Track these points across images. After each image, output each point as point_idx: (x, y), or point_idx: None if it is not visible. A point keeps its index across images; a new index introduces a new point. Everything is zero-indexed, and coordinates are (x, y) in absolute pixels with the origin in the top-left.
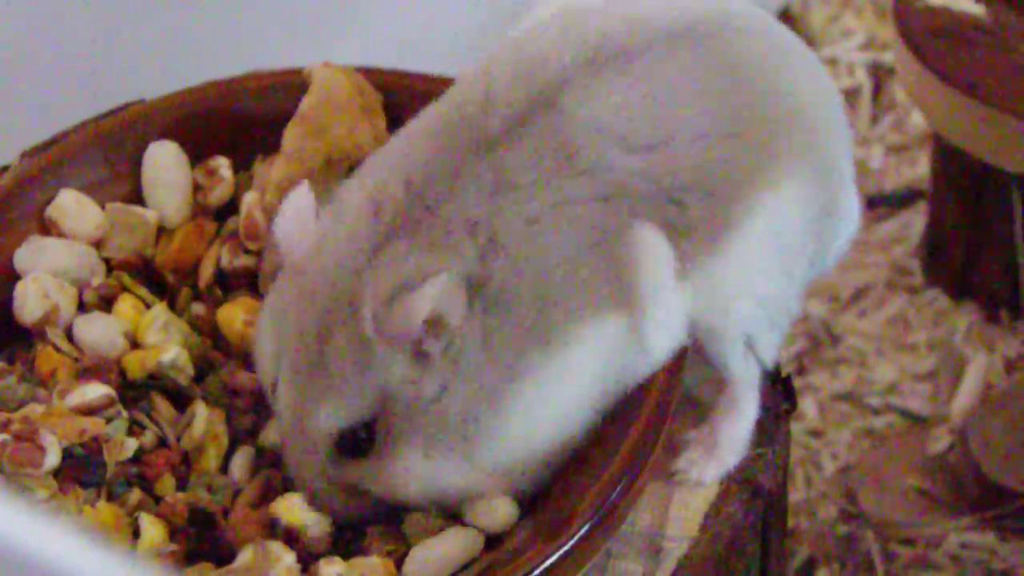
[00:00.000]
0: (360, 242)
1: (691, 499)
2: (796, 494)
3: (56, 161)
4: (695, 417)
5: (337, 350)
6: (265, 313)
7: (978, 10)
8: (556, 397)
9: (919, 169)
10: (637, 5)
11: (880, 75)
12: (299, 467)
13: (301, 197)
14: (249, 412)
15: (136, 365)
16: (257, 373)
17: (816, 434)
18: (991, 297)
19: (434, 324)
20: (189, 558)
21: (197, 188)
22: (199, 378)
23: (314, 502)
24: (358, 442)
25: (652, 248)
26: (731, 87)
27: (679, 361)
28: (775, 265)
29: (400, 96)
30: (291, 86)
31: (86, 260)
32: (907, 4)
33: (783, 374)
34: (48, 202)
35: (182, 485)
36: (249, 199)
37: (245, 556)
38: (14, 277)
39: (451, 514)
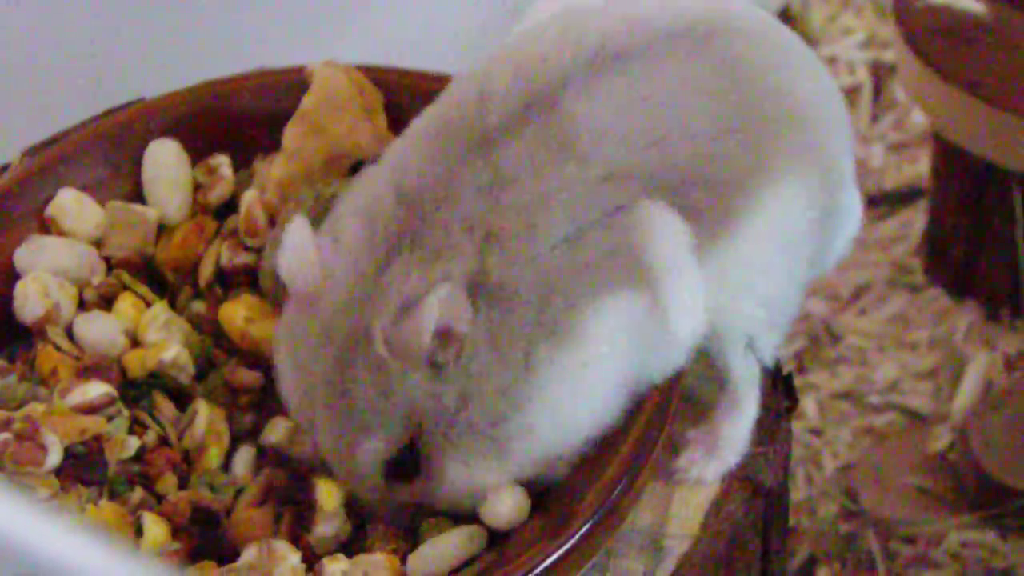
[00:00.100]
0: (363, 267)
1: (692, 497)
2: (797, 493)
3: (57, 160)
4: (696, 416)
5: (359, 381)
6: (281, 347)
7: (979, 8)
8: (578, 385)
9: (920, 167)
10: (637, 5)
11: (880, 74)
12: (360, 495)
13: (298, 231)
14: (251, 410)
15: (137, 364)
16: (285, 404)
17: (817, 433)
18: (992, 295)
19: (443, 335)
20: (192, 557)
21: (197, 186)
22: (200, 376)
23: (374, 518)
24: (405, 466)
25: (664, 222)
26: (730, 86)
27: None
28: (776, 264)
29: (401, 95)
30: (292, 85)
31: (86, 259)
32: (908, 3)
33: (784, 372)
34: (49, 201)
35: (183, 484)
36: (249, 197)
37: (250, 554)
38: (14, 276)
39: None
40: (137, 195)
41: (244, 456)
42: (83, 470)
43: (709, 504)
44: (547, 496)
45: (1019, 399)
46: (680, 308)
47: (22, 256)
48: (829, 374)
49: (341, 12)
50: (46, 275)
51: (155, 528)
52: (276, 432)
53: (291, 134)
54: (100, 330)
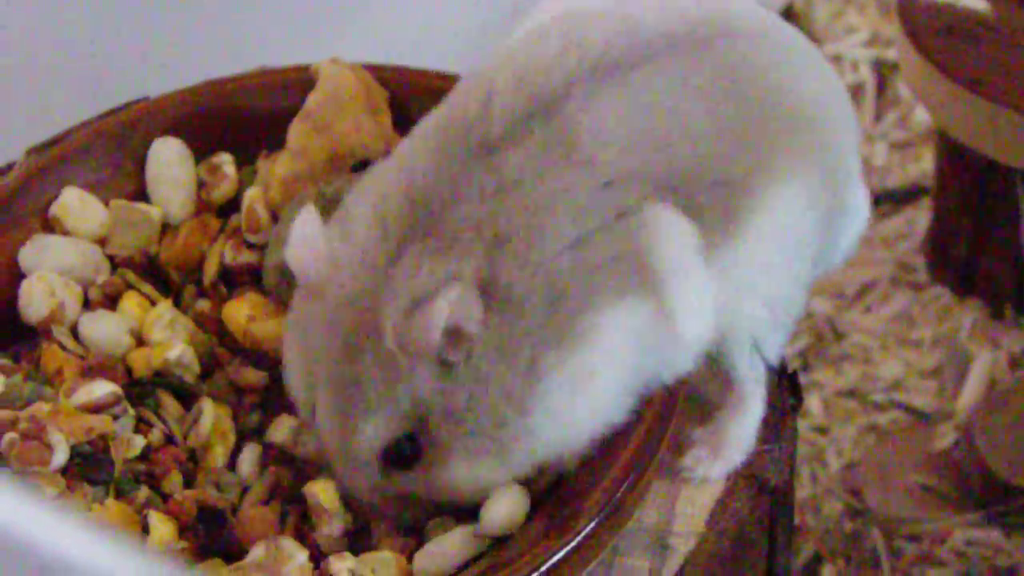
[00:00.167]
0: (372, 259)
1: (698, 495)
2: (802, 491)
3: (61, 159)
4: (702, 415)
5: (367, 369)
6: (289, 337)
7: (982, 6)
8: (583, 391)
9: (923, 165)
10: (638, 10)
11: (884, 72)
12: (352, 483)
13: (307, 221)
14: (256, 409)
15: (142, 363)
16: (291, 395)
17: (821, 431)
18: (996, 293)
19: (453, 334)
20: (198, 555)
21: (201, 185)
22: (205, 375)
23: (370, 514)
24: (404, 455)
25: (670, 224)
26: (731, 88)
27: None
28: (780, 264)
29: (405, 93)
30: (296, 83)
31: (91, 258)
32: (911, 0)
33: (789, 370)
34: (53, 200)
35: (189, 483)
36: (251, 194)
37: (257, 552)
38: (19, 275)
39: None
40: (141, 194)
41: (249, 455)
42: (89, 469)
43: (715, 502)
44: (552, 494)
45: (1023, 397)
46: (687, 310)
47: (27, 255)
48: (834, 372)
49: (343, 11)
50: (51, 274)
51: (162, 527)
52: (281, 431)
53: (296, 132)
54: (105, 329)
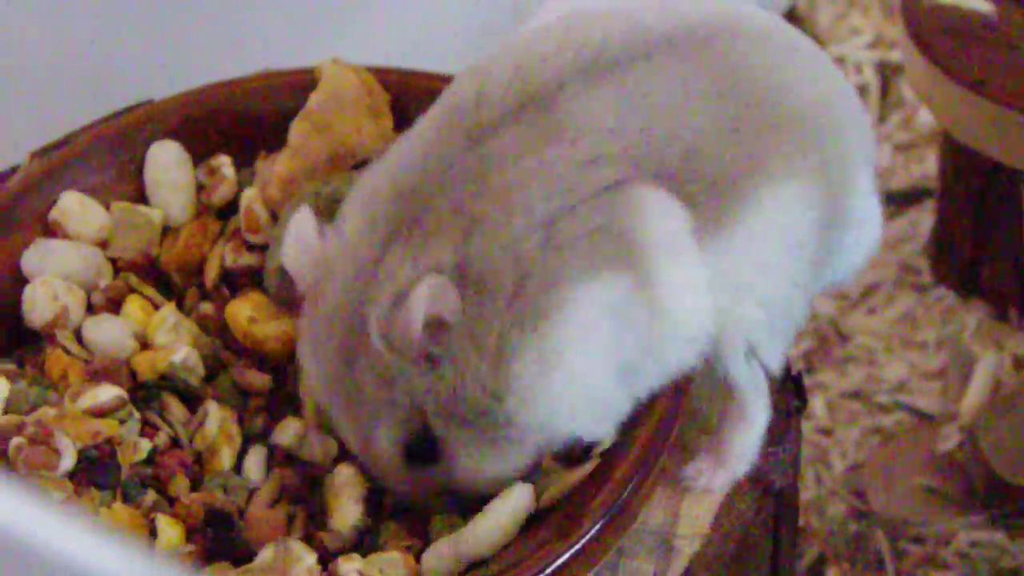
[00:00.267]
0: (361, 260)
1: (702, 498)
2: (806, 493)
3: (64, 162)
4: (708, 425)
5: (363, 372)
6: (302, 341)
7: (986, 8)
8: (555, 372)
9: (927, 167)
10: (641, 10)
11: (888, 73)
12: (386, 481)
13: (302, 222)
14: (261, 411)
15: (146, 366)
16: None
17: (825, 432)
18: (1000, 295)
19: (434, 326)
20: (206, 558)
21: (200, 187)
22: (209, 378)
23: (411, 505)
24: (423, 452)
25: (658, 202)
26: (729, 88)
27: None
28: (775, 265)
29: (406, 95)
30: (299, 86)
31: (93, 262)
32: (915, 2)
33: (793, 372)
34: (55, 204)
35: (195, 486)
36: (248, 194)
37: (266, 555)
38: (22, 280)
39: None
40: (143, 196)
41: (255, 457)
42: (96, 473)
43: (719, 504)
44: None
45: None
46: (676, 285)
47: (29, 260)
48: (838, 374)
49: (344, 12)
50: (54, 279)
51: (169, 530)
52: (287, 433)
53: (296, 131)
54: (109, 333)
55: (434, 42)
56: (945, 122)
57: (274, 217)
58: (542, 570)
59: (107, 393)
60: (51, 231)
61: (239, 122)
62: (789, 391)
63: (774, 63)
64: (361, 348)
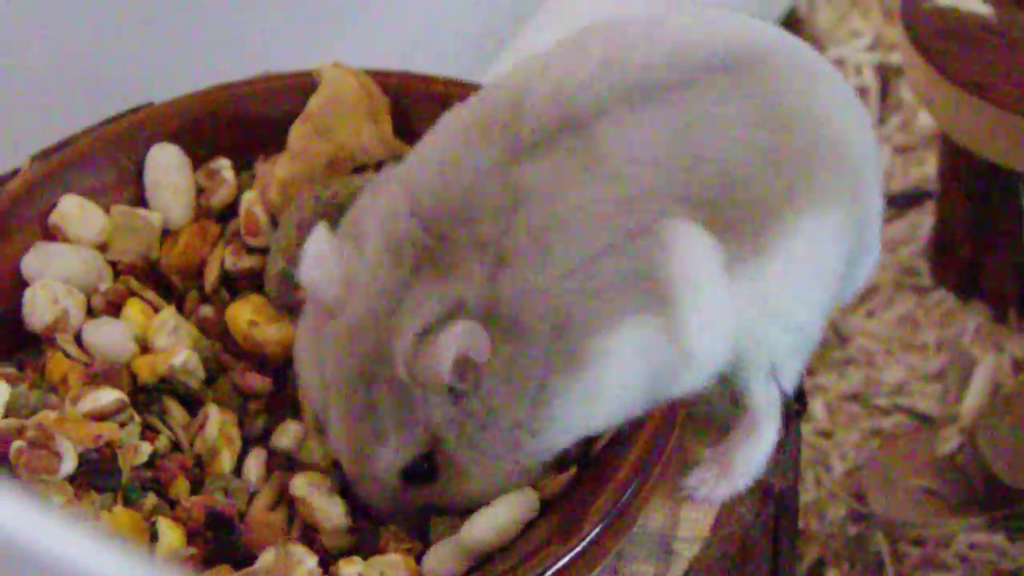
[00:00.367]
0: (384, 283)
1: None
2: (806, 495)
3: (65, 165)
4: (714, 435)
5: (383, 396)
6: (302, 348)
7: (986, 10)
8: (593, 410)
9: (927, 169)
10: (678, 32)
11: (887, 76)
12: (370, 497)
13: (320, 240)
14: (261, 414)
15: (147, 369)
16: (310, 409)
17: (825, 435)
18: (999, 297)
19: (462, 365)
20: (207, 562)
21: (200, 190)
22: (210, 381)
23: (389, 522)
24: (422, 473)
25: (686, 238)
26: (770, 115)
27: None
28: (808, 292)
29: (407, 98)
30: (299, 89)
31: (93, 265)
32: (914, 4)
33: None
34: (55, 207)
35: (196, 489)
36: (248, 197)
37: (267, 558)
38: (22, 283)
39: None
40: (142, 200)
41: (256, 460)
42: (97, 477)
43: (719, 507)
44: (558, 499)
45: None
46: (697, 326)
47: (29, 263)
48: (837, 376)
49: (343, 15)
50: (54, 282)
51: (170, 533)
52: (286, 436)
53: (296, 134)
54: (109, 336)
55: (434, 45)
56: (945, 124)
57: (274, 220)
58: (542, 573)
59: (107, 396)
60: (51, 234)
61: (239, 125)
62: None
63: (809, 91)
64: (381, 371)
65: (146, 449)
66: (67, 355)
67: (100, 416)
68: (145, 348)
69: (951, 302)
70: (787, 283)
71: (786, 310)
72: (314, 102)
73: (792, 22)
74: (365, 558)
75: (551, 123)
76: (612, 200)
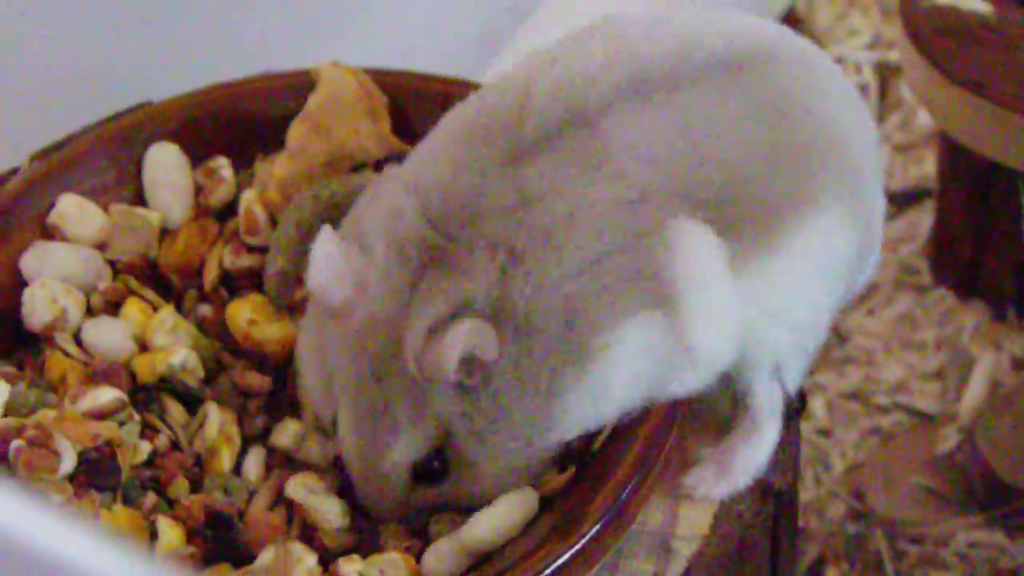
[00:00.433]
0: (394, 283)
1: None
2: (805, 493)
3: (64, 164)
4: (714, 433)
5: (396, 393)
6: (304, 349)
7: (985, 9)
8: (602, 405)
9: (926, 168)
10: (684, 28)
11: (886, 74)
12: (375, 497)
13: (327, 242)
14: (260, 413)
15: (146, 368)
16: (310, 409)
17: (824, 433)
18: (999, 295)
19: (469, 362)
20: (206, 560)
21: (199, 189)
22: (209, 380)
23: (399, 523)
24: (432, 470)
25: (691, 237)
26: (775, 113)
27: None
28: (812, 291)
29: (405, 97)
30: (298, 88)
31: (92, 264)
32: (913, 3)
33: None
34: (54, 206)
35: (195, 488)
36: (248, 196)
37: (267, 556)
38: (21, 282)
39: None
40: (141, 199)
41: (255, 458)
42: (96, 475)
43: (718, 505)
44: (558, 497)
45: None
46: (701, 324)
47: (28, 262)
48: (837, 374)
49: (342, 15)
50: (53, 281)
51: (170, 532)
52: (285, 435)
53: (295, 133)
54: (108, 335)
55: (433, 44)
56: (944, 123)
57: (273, 219)
58: (541, 571)
59: (106, 395)
60: (50, 233)
61: (238, 124)
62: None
63: (814, 89)
64: (393, 368)
65: (145, 448)
66: (66, 354)
67: (99, 415)
68: (144, 347)
69: (950, 300)
70: (790, 282)
71: (789, 309)
72: (313, 101)
73: (791, 21)
74: (365, 556)
75: (554, 121)
76: (617, 199)
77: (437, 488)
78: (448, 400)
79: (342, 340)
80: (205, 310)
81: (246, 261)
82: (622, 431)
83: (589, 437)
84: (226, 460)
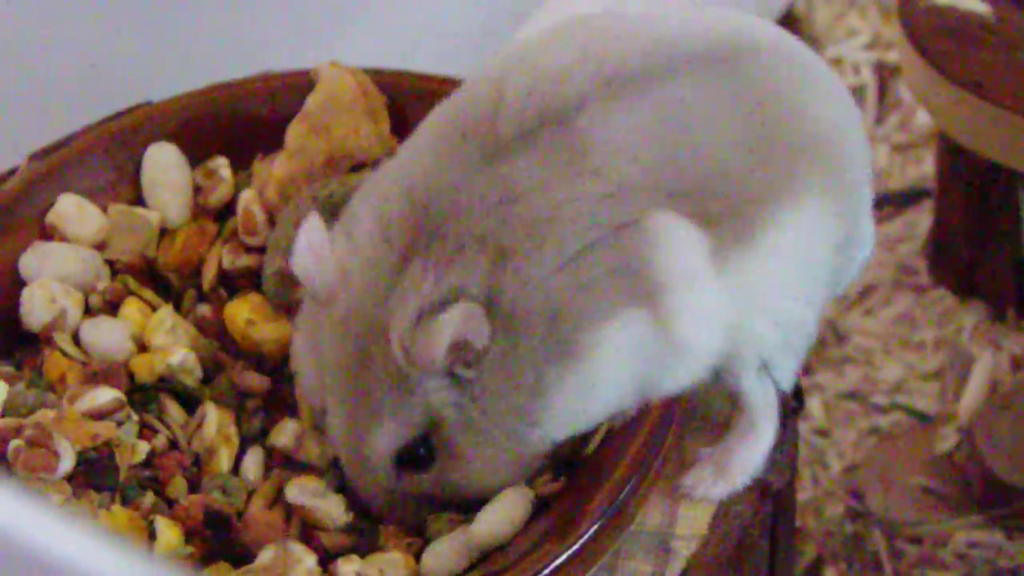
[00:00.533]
0: (379, 269)
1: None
2: (803, 493)
3: (63, 164)
4: (713, 434)
5: (378, 378)
6: (299, 341)
7: (983, 9)
8: (589, 400)
9: (924, 168)
10: (661, 23)
11: (885, 74)
12: (362, 485)
13: (313, 230)
14: (258, 413)
15: (144, 368)
16: (303, 398)
17: (823, 433)
18: (997, 295)
19: (460, 349)
20: (205, 560)
21: (197, 189)
22: (207, 380)
23: (380, 514)
24: (417, 457)
25: (672, 231)
26: (753, 106)
27: None
28: (795, 285)
29: (404, 97)
30: (298, 88)
31: (91, 264)
32: (912, 3)
33: None
34: (53, 206)
35: (194, 488)
36: (246, 196)
37: (266, 556)
38: (20, 282)
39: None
40: (140, 199)
41: (253, 458)
42: (95, 475)
43: (717, 505)
44: (556, 498)
45: None
46: (689, 319)
47: (27, 263)
48: (835, 374)
49: (342, 15)
50: (52, 281)
51: (168, 532)
52: (283, 434)
53: (294, 133)
54: (107, 335)
55: (432, 44)
56: (942, 123)
57: (271, 219)
58: (540, 571)
59: (105, 395)
60: (49, 234)
61: (237, 124)
62: (787, 392)
63: (794, 83)
64: (376, 352)
65: (144, 448)
66: (65, 354)
67: (98, 415)
68: (143, 347)
69: (949, 300)
70: (772, 276)
71: (773, 304)
72: (312, 101)
73: (790, 21)
74: (363, 556)
75: (529, 118)
76: (596, 194)
77: (422, 475)
78: (436, 388)
79: (329, 327)
80: (204, 310)
81: (245, 261)
82: (620, 431)
83: (581, 442)
84: (224, 460)
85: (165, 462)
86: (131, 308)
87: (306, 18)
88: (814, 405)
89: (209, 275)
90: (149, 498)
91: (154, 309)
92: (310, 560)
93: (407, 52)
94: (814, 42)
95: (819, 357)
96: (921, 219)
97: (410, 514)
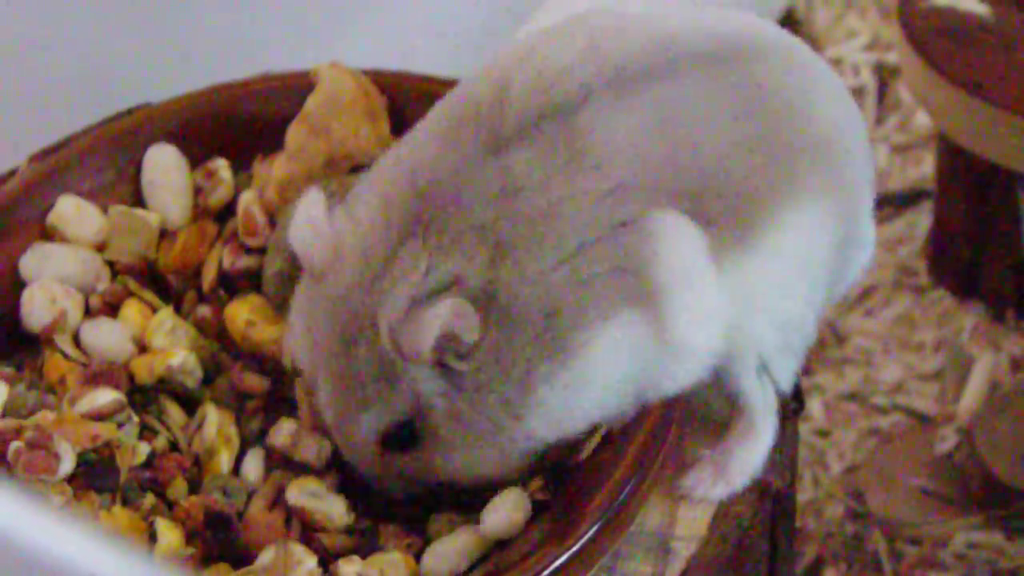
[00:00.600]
0: (374, 247)
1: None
2: (803, 494)
3: (63, 165)
4: (713, 435)
5: (363, 361)
6: (294, 316)
7: (983, 10)
8: (578, 400)
9: (924, 169)
10: (665, 21)
11: (885, 75)
12: (352, 457)
13: (312, 203)
14: (259, 413)
15: (145, 369)
16: (303, 398)
17: (823, 434)
18: (997, 296)
19: (449, 341)
20: (205, 561)
21: (197, 190)
22: (207, 381)
23: (374, 484)
24: (402, 439)
25: (672, 230)
26: (754, 108)
27: None
28: (794, 286)
29: (404, 98)
30: (298, 89)
31: (91, 265)
32: (911, 4)
33: None
34: (53, 207)
35: (194, 489)
36: (246, 197)
37: (267, 557)
38: (20, 284)
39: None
40: (140, 200)
41: (254, 459)
42: (95, 477)
43: (717, 506)
44: (555, 498)
45: None
46: (687, 320)
47: (27, 264)
48: (835, 375)
49: (342, 16)
50: (52, 282)
51: (169, 533)
52: (281, 435)
53: (294, 134)
54: (107, 337)
55: (432, 45)
56: (942, 124)
57: (272, 220)
58: (540, 572)
59: (105, 397)
60: (49, 235)
61: (237, 125)
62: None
63: (796, 83)
64: (363, 337)
65: (144, 449)
66: (65, 355)
67: (98, 416)
68: (143, 348)
69: (949, 301)
70: (772, 276)
71: (772, 304)
72: (311, 102)
73: (790, 22)
74: (364, 557)
75: (532, 113)
76: (597, 192)
77: (407, 457)
78: (424, 377)
79: (320, 303)
80: (204, 311)
81: (245, 262)
82: (620, 432)
83: (572, 448)
84: (225, 461)
85: (165, 463)
86: (131, 309)
87: (306, 18)
88: (814, 406)
89: (209, 276)
90: (149, 499)
91: (154, 310)
92: (310, 561)
93: (407, 53)
94: (814, 43)
95: (819, 358)
96: (921, 220)
97: (400, 486)
